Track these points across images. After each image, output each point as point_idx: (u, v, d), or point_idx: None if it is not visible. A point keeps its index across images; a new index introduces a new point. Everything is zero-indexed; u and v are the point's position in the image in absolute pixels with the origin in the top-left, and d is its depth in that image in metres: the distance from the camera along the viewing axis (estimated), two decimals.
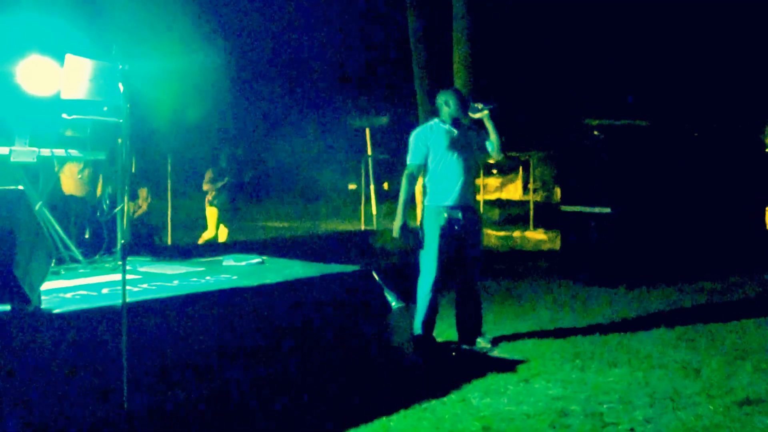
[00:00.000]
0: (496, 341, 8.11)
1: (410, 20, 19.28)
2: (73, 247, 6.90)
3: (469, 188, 7.93)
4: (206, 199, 14.98)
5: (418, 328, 7.89)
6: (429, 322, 7.91)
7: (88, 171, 7.70)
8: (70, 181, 7.66)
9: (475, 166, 8.09)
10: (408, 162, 8.04)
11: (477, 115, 7.91)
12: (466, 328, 8.08)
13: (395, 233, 7.86)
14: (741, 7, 22.46)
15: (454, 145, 7.89)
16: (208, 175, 14.88)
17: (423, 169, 7.94)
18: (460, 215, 7.85)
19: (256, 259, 7.49)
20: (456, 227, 7.85)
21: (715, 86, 22.03)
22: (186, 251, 10.64)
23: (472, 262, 7.98)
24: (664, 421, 5.65)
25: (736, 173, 13.92)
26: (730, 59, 22.86)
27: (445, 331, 8.31)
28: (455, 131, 7.94)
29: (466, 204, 7.89)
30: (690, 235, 12.95)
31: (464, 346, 8.04)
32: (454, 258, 7.96)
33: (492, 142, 7.96)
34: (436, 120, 8.08)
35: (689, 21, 23.10)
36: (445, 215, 7.82)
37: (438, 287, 7.91)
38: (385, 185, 28.67)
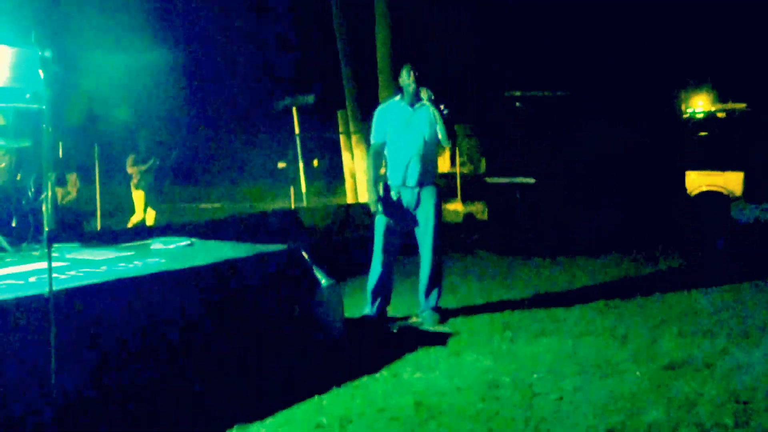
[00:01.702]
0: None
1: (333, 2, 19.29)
2: None
3: (418, 167, 7.97)
4: (131, 183, 14.89)
5: (367, 302, 8.16)
6: (375, 294, 8.13)
7: (8, 158, 7.59)
8: None
9: (430, 144, 8.05)
10: (371, 141, 8.25)
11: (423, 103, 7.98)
12: (419, 296, 8.18)
13: (372, 208, 8.07)
14: None
15: (407, 123, 8.02)
16: (131, 159, 14.81)
17: (385, 146, 8.11)
18: (408, 193, 8.00)
19: (185, 242, 7.42)
20: (403, 204, 8.03)
21: (631, 55, 22.35)
22: (115, 236, 10.55)
23: (422, 237, 8.06)
24: (592, 389, 5.75)
25: (655, 140, 14.13)
26: (645, 28, 23.19)
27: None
28: (410, 109, 8.04)
29: (415, 182, 7.98)
30: (613, 203, 13.13)
31: (413, 318, 8.15)
32: (407, 233, 8.16)
33: (440, 130, 8.01)
34: (397, 97, 8.21)
35: None
36: (394, 193, 8.03)
37: (381, 261, 8.08)
38: (315, 162, 28.66)
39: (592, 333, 7.33)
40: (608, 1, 23.16)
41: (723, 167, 14.56)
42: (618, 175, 13.28)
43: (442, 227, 8.17)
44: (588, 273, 10.69)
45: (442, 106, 8.02)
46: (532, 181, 12.38)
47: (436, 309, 8.07)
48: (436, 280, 8.09)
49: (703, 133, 15.75)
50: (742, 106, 17.72)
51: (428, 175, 8.07)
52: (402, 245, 8.25)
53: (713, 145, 15.36)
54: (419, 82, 7.98)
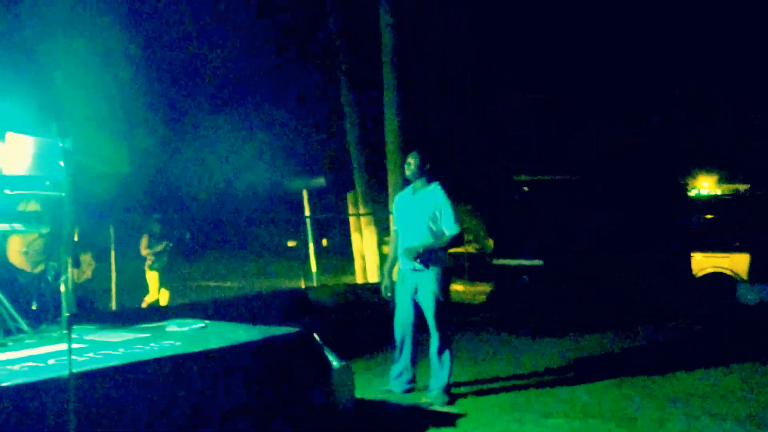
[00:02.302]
0: None
1: (343, 86, 19.67)
2: (19, 319, 6.96)
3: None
4: (145, 264, 15.09)
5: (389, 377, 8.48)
6: (394, 369, 8.45)
7: (37, 243, 7.80)
8: (17, 254, 7.76)
9: (429, 230, 8.15)
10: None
11: None
12: (430, 377, 8.31)
13: (382, 293, 8.51)
14: (661, 63, 23.12)
15: (408, 211, 8.31)
16: (144, 240, 15.02)
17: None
18: (411, 277, 8.21)
19: (199, 324, 7.54)
20: (409, 287, 8.23)
21: (638, 138, 22.60)
22: (130, 316, 10.66)
23: (427, 320, 8.20)
24: None
25: (661, 221, 14.27)
26: (652, 112, 23.47)
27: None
28: (412, 196, 8.34)
29: (413, 267, 8.15)
30: (619, 283, 13.22)
31: (423, 399, 8.17)
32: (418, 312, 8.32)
33: (443, 216, 8.17)
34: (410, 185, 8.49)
35: (609, 77, 23.69)
36: (401, 276, 8.30)
37: (396, 338, 8.38)
38: (324, 242, 28.86)
39: (599, 414, 7.37)
40: (614, 85, 23.51)
41: (728, 249, 14.62)
42: (624, 254, 13.39)
43: (445, 310, 8.20)
44: (595, 353, 10.76)
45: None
46: (539, 263, 12.50)
47: (446, 389, 8.13)
48: (443, 362, 8.17)
49: (708, 215, 15.86)
50: (745, 186, 17.88)
51: (429, 260, 8.16)
52: (419, 324, 8.37)
53: (718, 227, 15.46)
54: (420, 169, 8.25)
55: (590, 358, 10.38)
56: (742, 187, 18.08)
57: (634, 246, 13.57)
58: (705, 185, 21.27)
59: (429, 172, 8.28)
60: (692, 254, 14.66)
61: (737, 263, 14.37)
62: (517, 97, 24.31)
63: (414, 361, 8.43)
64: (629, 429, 6.87)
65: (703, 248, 14.74)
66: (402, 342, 8.36)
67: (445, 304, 8.20)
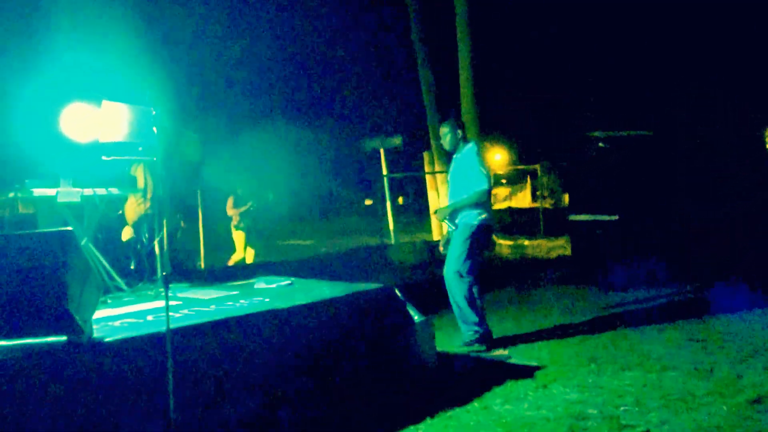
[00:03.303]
0: (514, 348, 8.45)
1: (417, 47, 19.78)
2: (117, 278, 7.31)
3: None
4: (232, 224, 15.51)
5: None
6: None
7: (139, 208, 8.18)
8: (133, 212, 8.18)
9: (459, 189, 8.64)
10: None
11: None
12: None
13: (442, 249, 9.05)
14: (737, 15, 22.72)
15: (452, 172, 8.80)
16: (230, 201, 15.44)
17: None
18: (450, 230, 8.71)
19: (285, 281, 7.79)
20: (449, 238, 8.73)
21: (715, 92, 22.25)
22: (219, 275, 10.98)
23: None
24: (678, 422, 5.82)
25: (739, 175, 14.11)
26: (729, 65, 23.09)
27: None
28: (454, 159, 8.80)
29: (452, 225, 8.63)
30: (695, 238, 13.15)
31: (500, 351, 8.45)
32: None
33: (471, 174, 8.56)
34: None
35: (685, 31, 23.36)
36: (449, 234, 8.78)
37: None
38: (400, 200, 29.05)
39: (676, 367, 7.40)
40: (690, 42, 23.21)
41: None
42: (700, 209, 13.31)
43: (462, 263, 8.54)
44: (671, 306, 10.77)
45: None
46: (615, 218, 12.53)
47: (473, 329, 8.56)
48: (462, 306, 8.58)
49: None
50: None
51: (460, 217, 8.59)
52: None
53: None
54: (454, 137, 8.72)
55: (666, 312, 10.35)
56: None
57: (712, 199, 13.46)
58: None
59: (464, 138, 8.76)
60: None
61: None
62: (595, 55, 24.17)
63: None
64: (706, 381, 6.86)
65: None
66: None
67: (464, 257, 8.55)
